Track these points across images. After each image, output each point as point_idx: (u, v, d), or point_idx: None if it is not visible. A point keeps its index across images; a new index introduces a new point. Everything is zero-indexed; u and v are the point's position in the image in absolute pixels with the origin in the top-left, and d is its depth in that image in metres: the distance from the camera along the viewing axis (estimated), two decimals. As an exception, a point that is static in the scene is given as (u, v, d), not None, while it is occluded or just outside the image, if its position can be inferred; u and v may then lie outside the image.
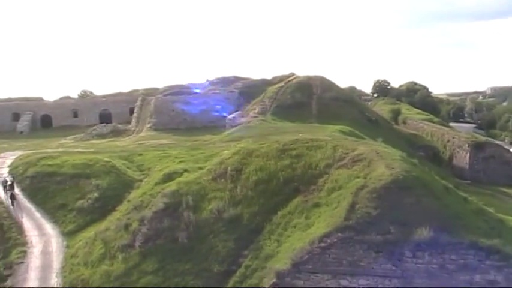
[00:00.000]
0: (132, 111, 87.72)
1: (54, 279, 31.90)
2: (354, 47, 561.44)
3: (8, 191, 42.34)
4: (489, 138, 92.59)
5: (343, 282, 23.46)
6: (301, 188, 31.10)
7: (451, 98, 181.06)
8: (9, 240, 36.75)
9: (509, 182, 62.97)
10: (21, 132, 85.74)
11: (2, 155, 57.23)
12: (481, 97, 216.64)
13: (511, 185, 61.52)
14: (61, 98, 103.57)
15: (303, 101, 73.74)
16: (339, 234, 24.09)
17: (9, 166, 50.55)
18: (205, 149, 50.86)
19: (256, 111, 72.28)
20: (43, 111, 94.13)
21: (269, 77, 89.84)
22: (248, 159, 35.43)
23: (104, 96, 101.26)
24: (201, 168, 38.92)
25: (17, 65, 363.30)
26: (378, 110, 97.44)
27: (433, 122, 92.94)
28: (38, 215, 40.41)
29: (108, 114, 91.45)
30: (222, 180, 34.40)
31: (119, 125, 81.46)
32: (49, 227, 38.67)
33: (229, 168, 34.98)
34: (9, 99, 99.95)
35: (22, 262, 34.09)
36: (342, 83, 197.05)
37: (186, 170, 39.99)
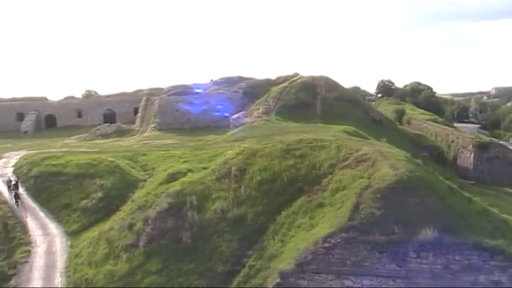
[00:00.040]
0: (136, 111, 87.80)
1: (58, 279, 31.99)
2: (358, 47, 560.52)
3: (12, 191, 42.43)
4: (493, 139, 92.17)
5: (347, 283, 23.44)
6: (305, 188, 31.08)
7: (456, 98, 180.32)
8: (13, 239, 36.84)
9: (514, 182, 62.67)
10: (26, 132, 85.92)
11: (7, 154, 57.33)
12: (485, 97, 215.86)
13: (516, 186, 61.24)
14: (65, 98, 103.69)
15: (307, 101, 73.68)
16: (343, 235, 24.07)
17: (13, 166, 50.63)
18: (209, 149, 50.88)
19: (260, 111, 72.27)
20: (47, 111, 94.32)
21: (273, 77, 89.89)
22: (252, 159, 35.44)
23: (108, 96, 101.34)
24: (205, 168, 38.93)
25: (22, 65, 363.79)
26: (382, 110, 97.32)
27: (437, 122, 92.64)
28: (42, 214, 40.53)
29: (112, 114, 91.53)
30: (226, 180, 34.40)
31: (123, 125, 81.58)
32: (53, 227, 38.78)
33: (233, 168, 34.98)
34: (14, 99, 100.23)
35: (26, 261, 34.19)
36: (346, 83, 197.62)
37: (190, 170, 40.01)
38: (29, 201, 42.42)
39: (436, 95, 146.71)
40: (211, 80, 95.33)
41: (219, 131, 64.90)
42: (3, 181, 45.56)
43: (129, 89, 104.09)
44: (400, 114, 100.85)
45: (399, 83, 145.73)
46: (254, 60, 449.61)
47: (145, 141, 65.70)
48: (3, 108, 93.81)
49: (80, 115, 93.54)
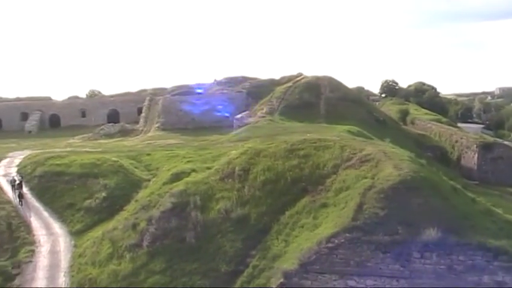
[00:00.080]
0: (140, 111, 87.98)
1: (62, 279, 31.99)
2: (361, 47, 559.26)
3: (16, 190, 42.50)
4: (497, 139, 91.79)
5: (351, 283, 23.43)
6: (309, 188, 31.08)
7: (459, 99, 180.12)
8: (17, 239, 36.87)
9: (518, 182, 62.56)
10: (30, 132, 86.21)
11: (11, 154, 57.53)
12: (489, 97, 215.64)
13: (520, 186, 61.12)
14: (69, 98, 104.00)
15: (311, 101, 73.66)
16: (347, 235, 24.06)
17: (17, 165, 50.80)
18: (213, 148, 50.86)
19: (264, 111, 72.24)
20: (51, 111, 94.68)
21: (277, 77, 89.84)
22: (256, 159, 35.45)
23: (112, 96, 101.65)
24: (208, 168, 38.93)
25: (26, 65, 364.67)
26: (386, 110, 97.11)
27: (441, 123, 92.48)
28: (46, 214, 40.57)
29: (116, 114, 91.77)
30: (230, 180, 34.42)
31: (127, 125, 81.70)
32: (57, 226, 38.81)
33: (237, 168, 35.00)
34: (18, 99, 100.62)
35: (30, 261, 34.21)
36: (350, 83, 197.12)
37: (193, 170, 40.00)
38: (33, 200, 42.47)
39: (440, 95, 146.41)
40: (215, 80, 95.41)
41: (223, 131, 64.78)
42: (7, 180, 45.64)
43: (133, 89, 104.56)
44: (404, 114, 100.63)
45: (403, 83, 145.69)
46: (258, 60, 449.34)
47: (149, 141, 65.73)
48: (8, 108, 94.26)
49: (83, 115, 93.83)
